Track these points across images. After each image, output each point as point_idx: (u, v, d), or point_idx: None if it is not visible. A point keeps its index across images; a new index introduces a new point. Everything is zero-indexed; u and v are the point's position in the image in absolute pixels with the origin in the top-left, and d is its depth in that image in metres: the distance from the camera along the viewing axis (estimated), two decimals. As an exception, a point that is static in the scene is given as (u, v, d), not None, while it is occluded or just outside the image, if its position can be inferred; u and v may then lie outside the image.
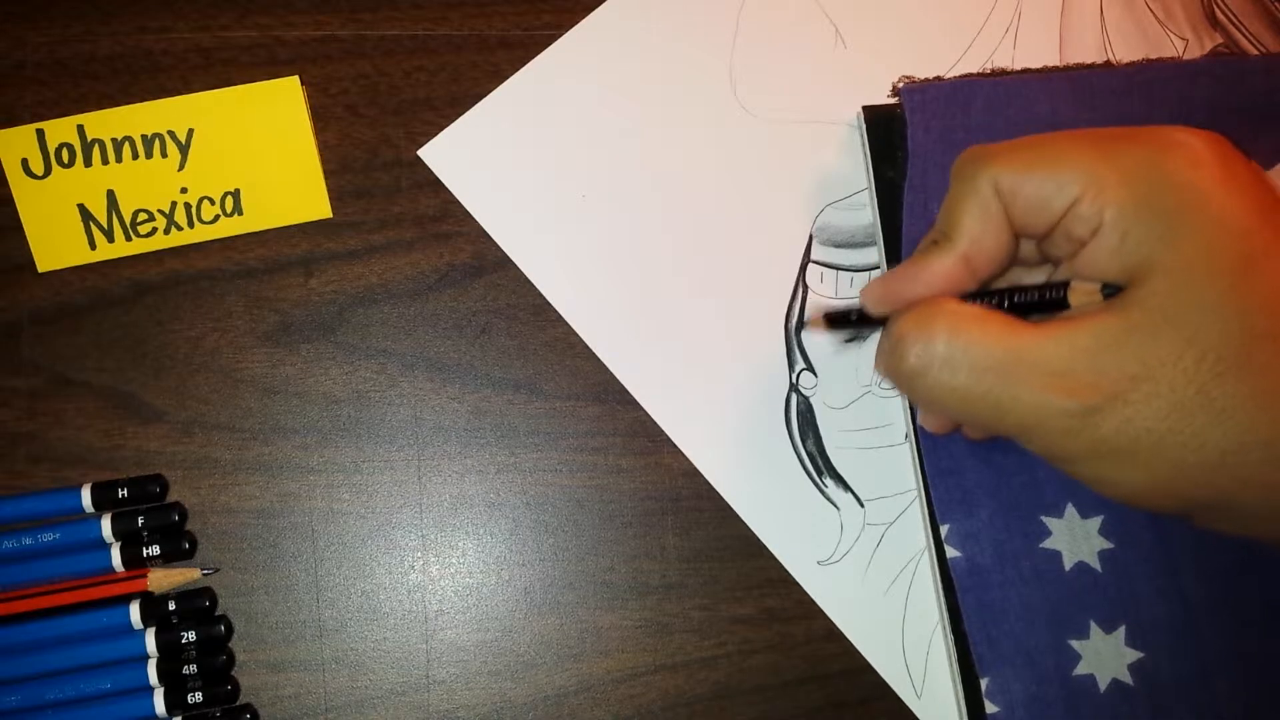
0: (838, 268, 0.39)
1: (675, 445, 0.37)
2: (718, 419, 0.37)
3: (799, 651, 0.36)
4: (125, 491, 0.34)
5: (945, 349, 0.28)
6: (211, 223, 0.37)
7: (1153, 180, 0.27)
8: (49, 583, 0.34)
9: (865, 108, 0.39)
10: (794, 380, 0.38)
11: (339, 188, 0.38)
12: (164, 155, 0.37)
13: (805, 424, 0.37)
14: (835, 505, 0.37)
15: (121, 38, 0.38)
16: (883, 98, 0.39)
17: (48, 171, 0.36)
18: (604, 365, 0.37)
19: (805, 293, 0.38)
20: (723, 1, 0.40)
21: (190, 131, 0.37)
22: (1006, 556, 0.35)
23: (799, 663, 0.36)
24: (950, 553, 0.35)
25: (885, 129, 0.38)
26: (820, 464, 0.37)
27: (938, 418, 0.34)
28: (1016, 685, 0.34)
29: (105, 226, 0.36)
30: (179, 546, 0.34)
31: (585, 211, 0.38)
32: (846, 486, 0.37)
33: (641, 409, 0.37)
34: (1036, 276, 0.32)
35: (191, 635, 0.34)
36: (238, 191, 0.37)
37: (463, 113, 0.38)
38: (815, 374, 0.38)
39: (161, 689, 0.33)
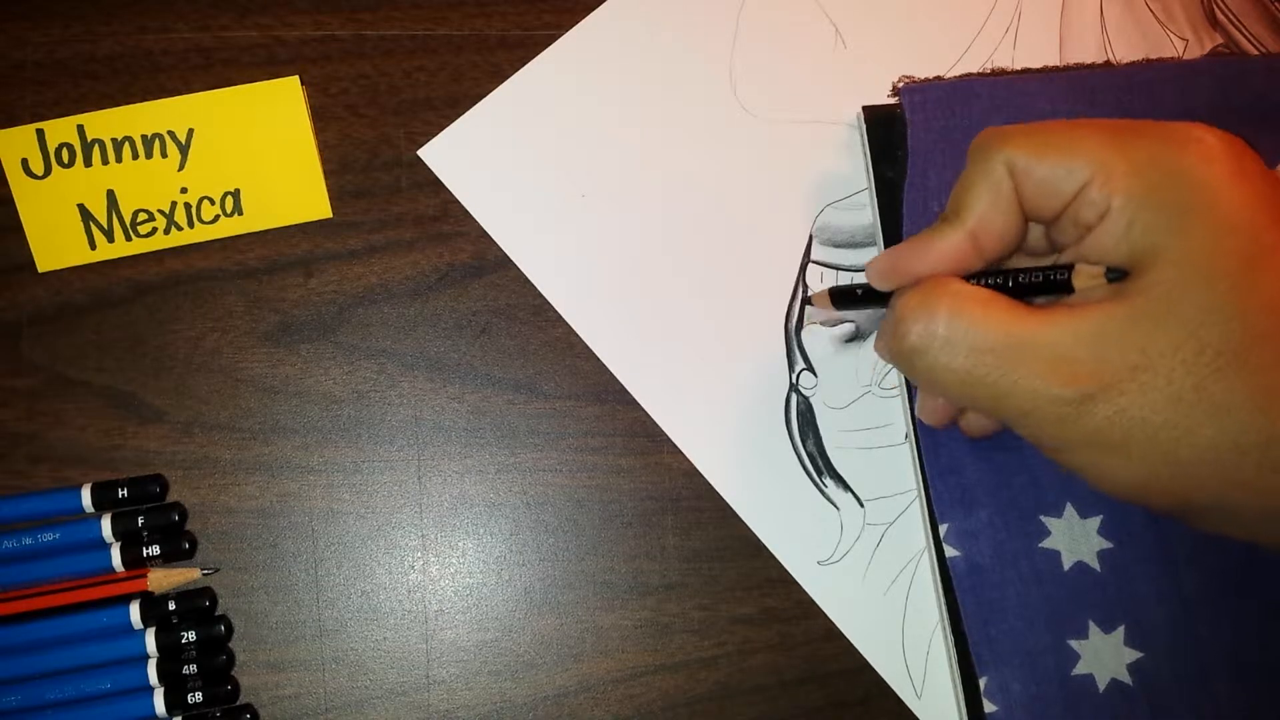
0: (838, 268, 0.39)
1: (675, 445, 0.37)
2: (718, 419, 0.37)
3: (799, 651, 0.36)
4: (125, 491, 0.34)
5: (946, 329, 0.28)
6: (211, 223, 0.37)
7: (1164, 172, 0.27)
8: (49, 583, 0.34)
9: (865, 108, 0.39)
10: (794, 380, 0.38)
11: (339, 188, 0.38)
12: (164, 155, 0.37)
13: (805, 424, 0.37)
14: (835, 505, 0.37)
15: (121, 38, 0.38)
16: (883, 98, 0.39)
17: (48, 171, 0.36)
18: (604, 365, 0.37)
19: (805, 293, 0.38)
20: (723, 1, 0.40)
21: (190, 131, 0.37)
22: (1006, 556, 0.35)
23: (799, 663, 0.36)
24: (950, 552, 0.35)
25: (885, 129, 0.38)
26: (820, 464, 0.37)
27: (935, 409, 0.34)
28: (1016, 685, 0.34)
29: (105, 226, 0.36)
30: (179, 546, 0.34)
31: (585, 211, 0.38)
32: (846, 486, 0.37)
33: (641, 409, 0.37)
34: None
35: (191, 635, 0.34)
36: (238, 191, 0.37)
37: (463, 113, 0.38)
38: (815, 374, 0.38)
39: (161, 689, 0.33)
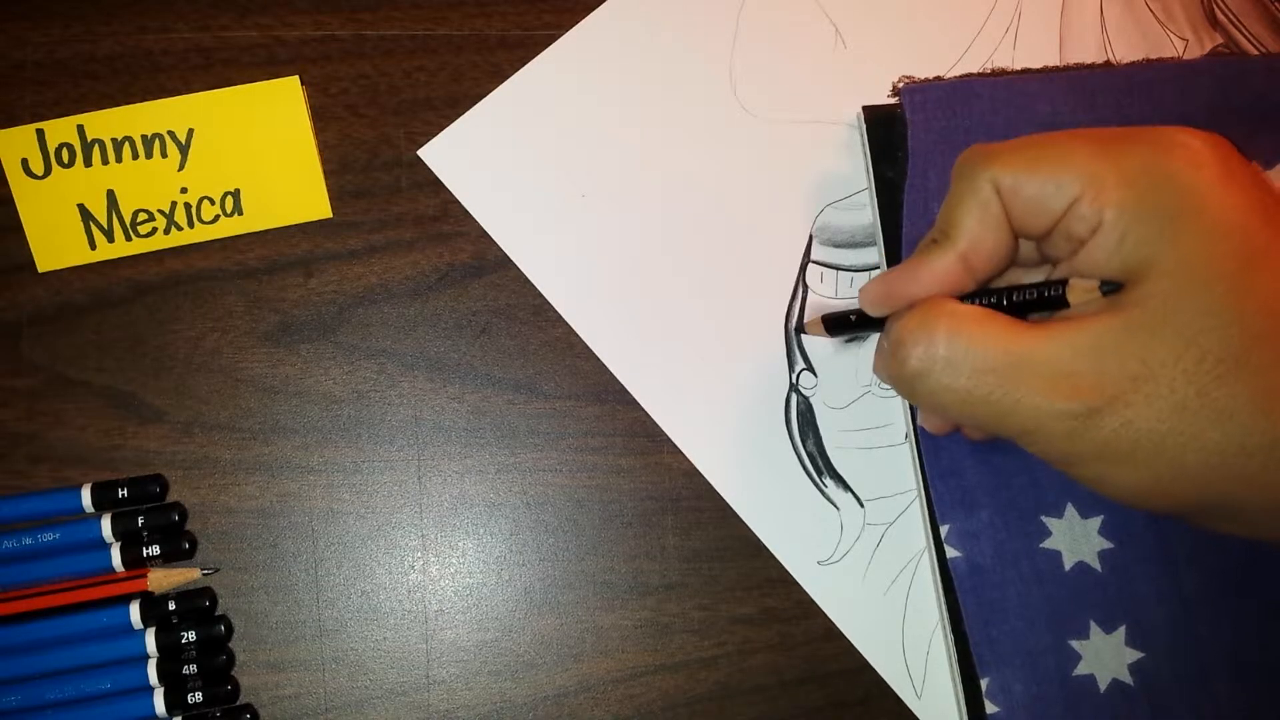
0: (838, 268, 0.39)
1: (675, 445, 0.37)
2: (718, 419, 0.37)
3: (799, 651, 0.36)
4: (125, 491, 0.34)
5: (946, 351, 0.28)
6: (211, 223, 0.37)
7: (1153, 180, 0.27)
8: (49, 583, 0.34)
9: (865, 108, 0.39)
10: (794, 380, 0.38)
11: (339, 188, 0.38)
12: (164, 155, 0.37)
13: (805, 424, 0.37)
14: (835, 505, 0.37)
15: (121, 38, 0.38)
16: (883, 98, 0.39)
17: (48, 171, 0.36)
18: (604, 365, 0.37)
19: (805, 293, 0.38)
20: (723, 1, 0.40)
21: (190, 131, 0.37)
22: (1006, 556, 0.35)
23: (799, 663, 0.36)
24: (950, 553, 0.35)
25: (885, 129, 0.38)
26: (820, 464, 0.37)
27: (938, 419, 0.34)
28: (1017, 685, 0.34)
29: (105, 226, 0.36)
30: (179, 546, 0.34)
31: (585, 211, 0.38)
32: (846, 486, 0.37)
33: (641, 409, 0.37)
34: (1035, 277, 0.32)
35: (191, 635, 0.34)
36: (238, 191, 0.37)
37: (463, 113, 0.38)
38: (815, 374, 0.38)
39: (161, 689, 0.33)
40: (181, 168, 0.37)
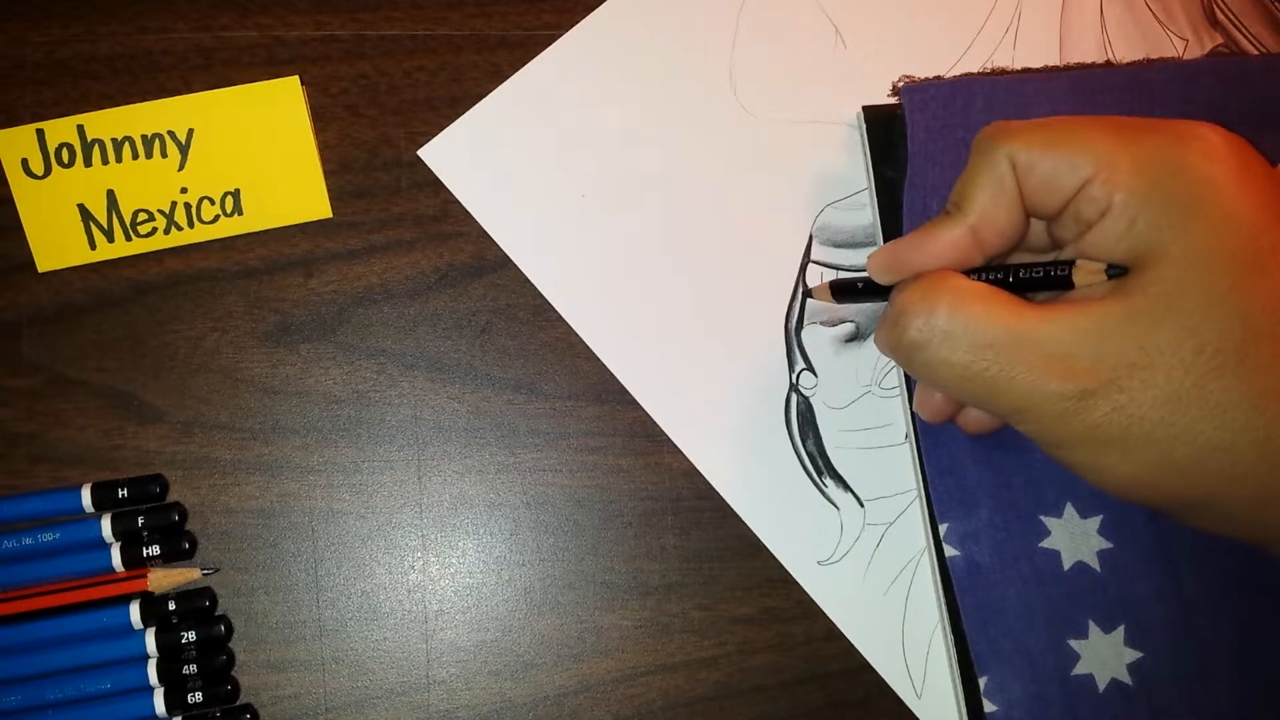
0: (838, 268, 0.39)
1: (675, 445, 0.37)
2: (718, 419, 0.37)
3: (799, 651, 0.36)
4: (125, 491, 0.34)
5: (947, 324, 0.28)
6: (211, 223, 0.37)
7: (1167, 169, 0.27)
8: (49, 583, 0.34)
9: (865, 108, 0.39)
10: (794, 380, 0.38)
11: (339, 188, 0.38)
12: (164, 155, 0.37)
13: (805, 424, 0.37)
14: (835, 505, 0.37)
15: (121, 38, 0.38)
16: (883, 98, 0.39)
17: (48, 171, 0.36)
18: (604, 365, 0.37)
19: (805, 293, 0.38)
20: (723, 1, 0.40)
21: (190, 131, 0.37)
22: (1006, 556, 0.35)
23: (799, 663, 0.36)
24: (949, 552, 0.35)
25: (885, 129, 0.38)
26: (820, 464, 0.37)
27: (932, 403, 0.34)
28: (1015, 685, 0.34)
29: (105, 226, 0.36)
30: (179, 546, 0.34)
31: (585, 211, 0.38)
32: (846, 486, 0.37)
33: (641, 409, 0.37)
34: None
35: (191, 635, 0.34)
36: (238, 191, 0.37)
37: (463, 113, 0.38)
38: (815, 374, 0.38)
39: (161, 689, 0.33)
40: (181, 168, 0.37)
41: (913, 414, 0.36)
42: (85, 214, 0.36)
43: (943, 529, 0.35)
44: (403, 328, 0.37)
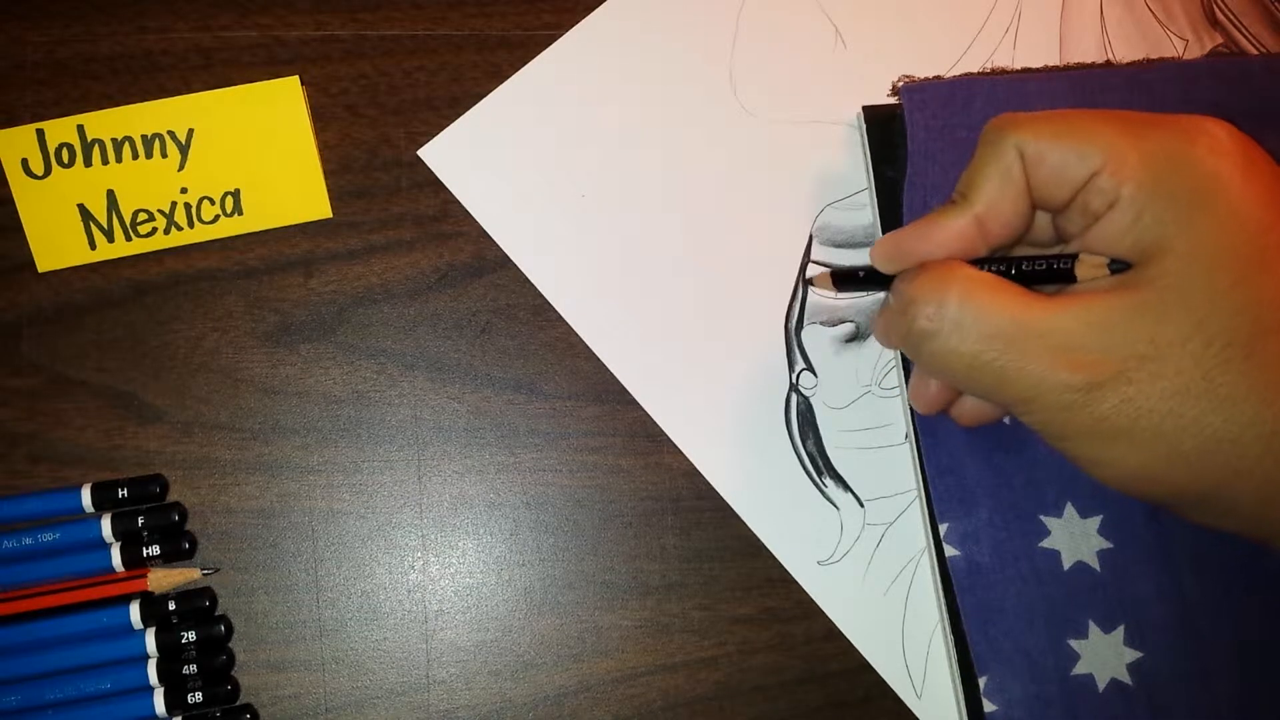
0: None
1: (675, 445, 0.37)
2: (718, 419, 0.37)
3: (799, 651, 0.36)
4: (125, 491, 0.34)
5: (957, 313, 0.28)
6: (211, 223, 0.37)
7: (1174, 163, 0.27)
8: (49, 583, 0.34)
9: (865, 107, 0.39)
10: (794, 380, 0.38)
11: (339, 188, 0.38)
12: (164, 155, 0.37)
13: (805, 424, 0.37)
14: (835, 505, 0.37)
15: (121, 38, 0.38)
16: (883, 98, 0.39)
17: (48, 171, 0.36)
18: (604, 365, 0.37)
19: (805, 293, 0.38)
20: (723, 1, 0.40)
21: (190, 131, 0.37)
22: (1006, 556, 0.35)
23: (799, 663, 0.36)
24: (949, 552, 0.35)
25: (885, 129, 0.38)
26: (820, 464, 0.37)
27: (927, 394, 0.34)
28: (1015, 685, 0.34)
29: (105, 226, 0.36)
30: (179, 546, 0.34)
31: (585, 211, 0.38)
32: (846, 486, 0.37)
33: (641, 409, 0.37)
34: None
35: (191, 635, 0.34)
36: (238, 191, 0.37)
37: (463, 113, 0.38)
38: (815, 374, 0.38)
39: (161, 689, 0.33)
40: (181, 168, 0.37)
41: (912, 414, 0.36)
42: (85, 214, 0.36)
43: (943, 529, 0.35)
44: (403, 328, 0.37)
